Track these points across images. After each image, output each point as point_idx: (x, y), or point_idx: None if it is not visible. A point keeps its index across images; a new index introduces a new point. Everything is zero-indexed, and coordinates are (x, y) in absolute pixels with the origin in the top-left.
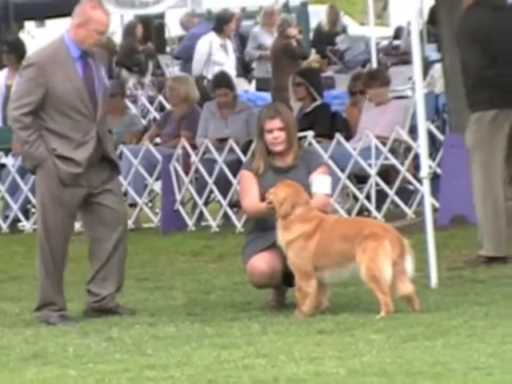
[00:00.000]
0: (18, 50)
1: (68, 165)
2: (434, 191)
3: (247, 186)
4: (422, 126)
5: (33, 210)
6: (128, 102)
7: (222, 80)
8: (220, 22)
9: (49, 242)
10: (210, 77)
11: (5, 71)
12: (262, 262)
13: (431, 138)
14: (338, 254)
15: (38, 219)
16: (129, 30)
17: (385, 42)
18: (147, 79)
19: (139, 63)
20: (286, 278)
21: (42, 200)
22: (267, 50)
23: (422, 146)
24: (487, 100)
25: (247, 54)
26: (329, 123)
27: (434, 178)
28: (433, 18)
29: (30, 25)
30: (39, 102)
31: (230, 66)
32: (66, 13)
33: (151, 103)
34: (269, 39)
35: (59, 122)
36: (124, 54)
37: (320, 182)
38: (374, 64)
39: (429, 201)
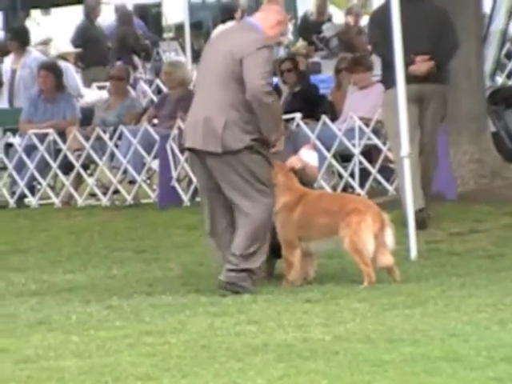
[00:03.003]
0: (22, 36)
1: None
2: None
3: None
4: (403, 107)
5: (38, 186)
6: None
7: None
8: (230, 12)
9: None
10: None
11: (11, 56)
12: None
13: None
14: (322, 226)
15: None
16: (125, 18)
17: None
18: (150, 64)
19: (147, 49)
20: (275, 250)
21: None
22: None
23: (402, 127)
24: (387, 79)
25: None
26: (316, 106)
27: None
28: None
29: (35, 13)
30: None
31: None
32: (70, 2)
33: (150, 86)
34: None
35: None
36: (132, 41)
37: (307, 156)
38: None
39: (409, 178)
